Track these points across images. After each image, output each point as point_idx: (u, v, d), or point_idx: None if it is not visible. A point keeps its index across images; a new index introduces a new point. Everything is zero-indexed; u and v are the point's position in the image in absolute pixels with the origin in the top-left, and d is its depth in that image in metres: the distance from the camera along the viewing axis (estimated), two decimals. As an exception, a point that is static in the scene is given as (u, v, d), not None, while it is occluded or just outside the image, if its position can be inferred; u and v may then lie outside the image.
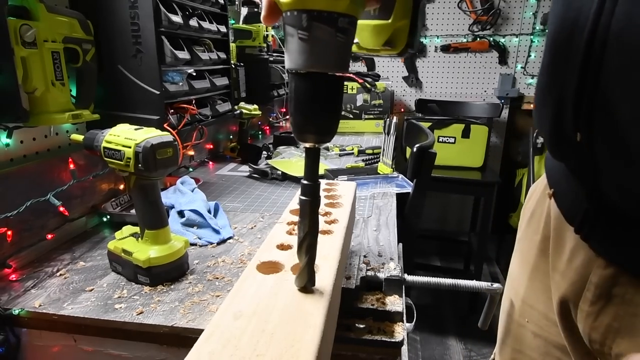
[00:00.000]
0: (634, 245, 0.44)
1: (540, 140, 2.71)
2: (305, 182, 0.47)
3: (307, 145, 0.46)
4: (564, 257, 0.53)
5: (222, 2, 1.49)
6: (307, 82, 0.42)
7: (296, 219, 0.73)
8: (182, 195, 1.15)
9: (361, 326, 0.66)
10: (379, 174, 1.52)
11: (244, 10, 2.16)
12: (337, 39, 0.40)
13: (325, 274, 0.54)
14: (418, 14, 0.49)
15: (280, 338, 0.42)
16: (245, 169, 1.63)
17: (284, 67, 2.36)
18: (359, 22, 0.54)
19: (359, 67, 3.22)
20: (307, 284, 0.50)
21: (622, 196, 0.45)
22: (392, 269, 0.74)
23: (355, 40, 0.56)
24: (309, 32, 0.40)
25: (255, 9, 2.19)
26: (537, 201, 0.66)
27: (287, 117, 2.73)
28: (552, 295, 0.57)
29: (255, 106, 1.79)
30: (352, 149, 1.95)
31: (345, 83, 2.55)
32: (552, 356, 0.61)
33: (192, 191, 1.19)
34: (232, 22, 2.03)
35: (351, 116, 2.60)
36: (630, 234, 0.44)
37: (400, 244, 0.95)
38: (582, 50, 0.44)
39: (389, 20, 0.49)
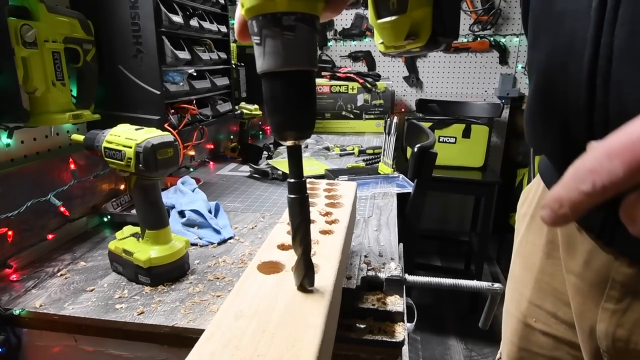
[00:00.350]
0: None
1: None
2: (291, 180, 0.47)
3: (288, 143, 0.46)
4: (580, 260, 0.54)
5: (223, 2, 1.49)
6: (270, 81, 0.43)
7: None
8: (183, 196, 1.15)
9: (362, 326, 0.66)
10: (379, 174, 1.52)
11: (245, 11, 2.16)
12: (284, 37, 0.40)
13: (326, 274, 0.54)
14: None
15: (281, 338, 0.42)
16: (245, 169, 1.63)
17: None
18: (380, 21, 0.54)
19: (359, 67, 3.21)
20: (305, 281, 0.49)
21: None
22: (393, 269, 0.74)
23: (380, 41, 0.56)
24: (260, 36, 0.41)
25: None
26: (536, 206, 0.67)
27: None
28: (571, 298, 0.58)
29: (256, 106, 1.79)
30: (353, 149, 1.95)
31: (346, 83, 2.55)
32: (562, 351, 0.63)
33: (193, 191, 1.19)
34: (233, 22, 2.02)
35: (352, 116, 2.60)
36: None
37: (401, 244, 0.95)
38: (587, 67, 0.44)
39: (406, 13, 0.48)
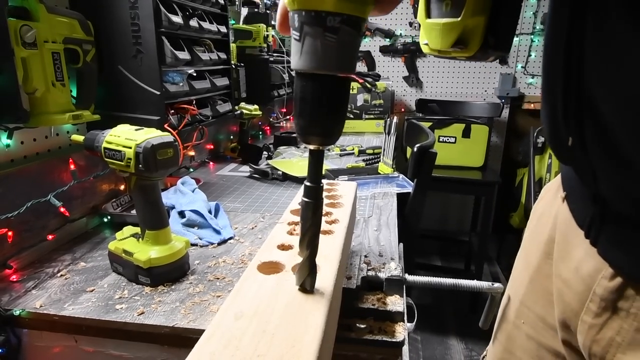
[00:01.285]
0: (632, 250, 0.43)
1: (541, 139, 2.70)
2: (308, 184, 0.46)
3: (311, 147, 0.44)
4: (571, 266, 0.52)
5: (222, 2, 1.49)
6: (306, 82, 0.42)
7: (297, 219, 0.73)
8: (183, 196, 1.15)
9: (362, 326, 0.66)
10: (379, 173, 1.52)
11: (244, 11, 2.16)
12: (326, 39, 0.38)
13: (326, 274, 0.54)
14: (503, 9, 0.44)
15: (281, 338, 0.42)
16: (245, 169, 1.63)
17: (284, 67, 2.36)
18: (429, 21, 0.50)
19: (359, 67, 3.21)
20: (306, 282, 0.49)
21: (621, 200, 0.44)
22: (393, 268, 0.74)
23: (425, 42, 0.53)
24: (300, 32, 0.39)
25: (256, 9, 2.19)
26: (547, 202, 0.65)
27: (288, 117, 2.73)
28: (555, 303, 0.56)
29: (256, 106, 1.79)
30: (353, 149, 1.95)
31: (346, 83, 2.55)
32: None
33: (193, 191, 1.19)
34: (233, 22, 2.03)
35: (352, 116, 2.60)
36: (637, 240, 0.43)
37: (401, 244, 0.95)
38: (563, 49, 0.43)
39: (459, 18, 0.45)
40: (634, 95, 0.37)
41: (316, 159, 0.45)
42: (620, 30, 0.37)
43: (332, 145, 1.96)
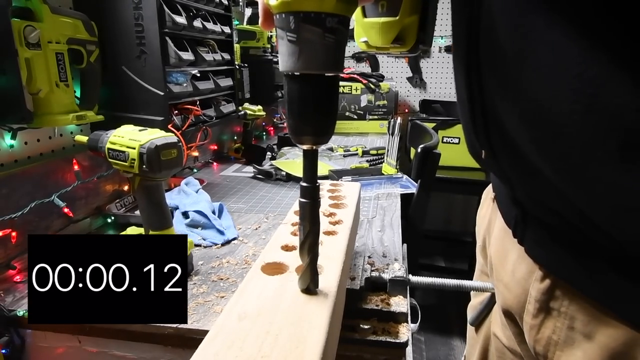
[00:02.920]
0: (560, 251, 0.44)
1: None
2: (304, 184, 0.46)
3: (305, 147, 0.45)
4: (508, 268, 0.53)
5: (226, 3, 1.49)
6: (301, 84, 0.42)
7: (300, 219, 0.73)
8: (187, 196, 1.15)
9: (366, 327, 0.65)
10: (383, 174, 1.52)
11: (248, 11, 2.16)
12: (325, 39, 0.38)
13: (330, 275, 0.54)
14: (429, 9, 0.48)
15: (284, 339, 0.41)
16: (249, 170, 1.63)
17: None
18: (367, 20, 0.54)
19: (363, 67, 3.21)
20: (310, 285, 0.49)
21: (535, 205, 0.46)
22: (397, 269, 0.74)
23: (364, 39, 0.56)
24: (297, 34, 0.39)
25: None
26: (484, 205, 0.67)
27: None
28: (497, 305, 0.57)
29: (260, 107, 1.79)
30: (356, 150, 1.95)
31: (349, 84, 2.55)
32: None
33: (197, 192, 1.19)
34: (236, 23, 2.03)
35: (355, 117, 2.59)
36: (556, 240, 0.44)
37: (405, 245, 0.95)
38: (464, 63, 0.46)
39: (397, 17, 0.48)
40: (530, 108, 0.38)
41: (310, 159, 0.45)
42: (508, 42, 0.39)
43: (332, 145, 1.96)
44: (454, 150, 2.64)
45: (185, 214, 1.06)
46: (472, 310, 0.74)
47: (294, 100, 0.42)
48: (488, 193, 0.67)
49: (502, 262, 0.55)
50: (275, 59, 2.10)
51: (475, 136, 0.49)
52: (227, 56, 1.51)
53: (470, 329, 0.75)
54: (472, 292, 0.74)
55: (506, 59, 0.39)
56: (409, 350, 0.66)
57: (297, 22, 0.38)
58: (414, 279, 0.73)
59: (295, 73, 0.41)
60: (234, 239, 1.00)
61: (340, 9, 0.38)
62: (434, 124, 2.65)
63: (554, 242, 0.44)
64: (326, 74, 0.42)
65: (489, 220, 0.63)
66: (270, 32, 2.06)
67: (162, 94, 1.12)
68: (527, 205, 0.48)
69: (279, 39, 0.41)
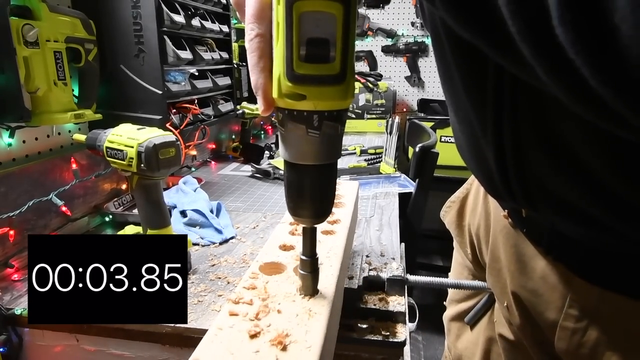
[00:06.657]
0: (604, 266, 0.44)
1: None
2: (304, 257, 0.47)
3: (303, 225, 0.45)
4: (535, 275, 0.52)
5: (224, 1, 1.49)
6: (298, 171, 0.42)
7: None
8: (185, 195, 1.15)
9: (364, 326, 0.65)
10: (381, 173, 1.52)
11: (246, 10, 2.15)
12: (309, 135, 0.39)
13: (328, 275, 0.54)
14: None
15: (283, 338, 0.41)
16: (247, 169, 1.63)
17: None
18: None
19: (361, 66, 3.21)
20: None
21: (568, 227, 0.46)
22: (395, 268, 0.74)
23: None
24: (284, 127, 0.40)
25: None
26: (475, 194, 0.69)
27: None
28: (500, 305, 0.58)
29: (257, 106, 1.79)
30: (355, 149, 1.95)
31: (348, 83, 2.55)
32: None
33: (195, 191, 1.19)
34: (235, 21, 2.02)
35: (353, 116, 2.59)
36: (597, 258, 0.45)
37: (403, 244, 0.95)
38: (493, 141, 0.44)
39: None
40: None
41: (309, 235, 0.46)
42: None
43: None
44: (452, 150, 2.63)
45: (183, 213, 1.06)
46: (452, 305, 0.75)
47: (292, 185, 0.43)
48: (473, 184, 0.67)
49: (519, 267, 0.55)
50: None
51: (507, 193, 0.48)
52: (225, 55, 1.50)
53: (454, 325, 0.76)
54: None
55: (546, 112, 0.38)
56: (406, 349, 0.66)
57: (284, 118, 0.39)
58: (411, 278, 0.73)
59: (290, 161, 0.42)
60: (232, 237, 1.00)
61: (324, 105, 0.37)
62: (432, 123, 2.65)
63: (596, 259, 0.45)
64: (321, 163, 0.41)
65: (485, 217, 0.63)
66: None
67: (160, 92, 1.12)
68: (560, 226, 0.47)
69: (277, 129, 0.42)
